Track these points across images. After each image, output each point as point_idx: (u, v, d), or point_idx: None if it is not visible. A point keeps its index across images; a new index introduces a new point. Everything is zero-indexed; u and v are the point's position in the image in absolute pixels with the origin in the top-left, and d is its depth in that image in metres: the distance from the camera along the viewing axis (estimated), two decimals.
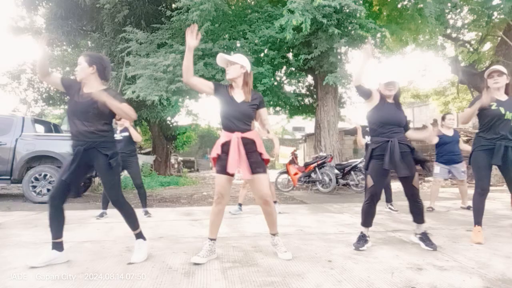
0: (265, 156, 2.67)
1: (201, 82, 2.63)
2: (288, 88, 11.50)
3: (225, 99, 2.62)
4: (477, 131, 3.36)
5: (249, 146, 2.59)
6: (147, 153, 16.21)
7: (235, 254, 2.82)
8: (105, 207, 4.68)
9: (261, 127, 2.86)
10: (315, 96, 11.43)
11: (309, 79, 12.09)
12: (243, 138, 2.57)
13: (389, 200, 5.14)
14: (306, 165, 8.89)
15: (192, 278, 2.26)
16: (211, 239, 2.69)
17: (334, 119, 9.73)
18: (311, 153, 15.02)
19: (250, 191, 4.94)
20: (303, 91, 12.56)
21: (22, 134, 6.70)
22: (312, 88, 12.24)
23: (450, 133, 5.12)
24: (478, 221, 3.19)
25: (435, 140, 3.20)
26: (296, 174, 8.62)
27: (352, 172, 8.36)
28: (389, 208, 5.08)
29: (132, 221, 2.69)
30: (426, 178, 10.95)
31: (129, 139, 4.70)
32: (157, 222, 4.37)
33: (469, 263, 2.55)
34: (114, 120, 2.76)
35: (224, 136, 2.62)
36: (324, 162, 8.47)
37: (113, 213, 5.13)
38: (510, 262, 2.58)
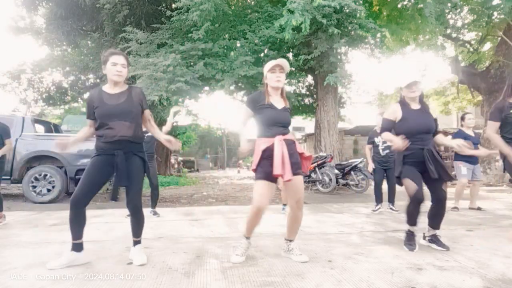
0: (306, 153, 2.68)
1: (247, 119, 2.69)
2: (288, 88, 11.51)
3: (265, 107, 2.58)
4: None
5: (290, 147, 2.57)
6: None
7: None
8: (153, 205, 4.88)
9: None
10: (315, 96, 11.43)
11: (309, 79, 12.09)
12: (285, 140, 2.55)
13: (391, 200, 5.15)
14: None
15: (192, 278, 2.26)
16: (248, 238, 2.70)
17: (334, 119, 9.73)
18: (311, 153, 15.02)
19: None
20: (303, 91, 12.57)
21: (22, 134, 6.70)
22: (312, 88, 12.25)
23: (471, 133, 5.10)
24: None
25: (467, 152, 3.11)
26: None
27: (352, 172, 8.36)
28: (390, 209, 5.09)
29: (140, 229, 2.67)
30: None
31: (152, 140, 4.74)
32: (157, 222, 4.37)
33: (469, 263, 2.55)
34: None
35: (263, 142, 2.54)
36: (324, 162, 8.47)
37: (113, 213, 5.14)
38: (510, 262, 2.58)
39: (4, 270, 2.42)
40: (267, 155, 2.51)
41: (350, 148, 15.46)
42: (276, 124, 2.57)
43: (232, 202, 6.89)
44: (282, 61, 2.60)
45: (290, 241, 2.73)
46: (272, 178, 2.52)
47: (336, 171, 8.37)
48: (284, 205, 4.99)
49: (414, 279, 2.22)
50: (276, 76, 2.60)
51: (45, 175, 6.51)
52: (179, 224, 4.26)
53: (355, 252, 2.86)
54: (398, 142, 2.74)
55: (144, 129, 2.82)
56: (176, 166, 21.16)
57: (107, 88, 2.59)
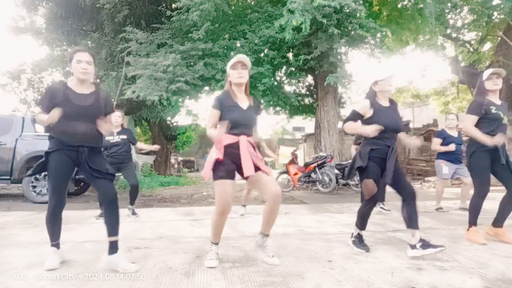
0: (264, 162, 2.64)
1: (216, 122, 2.56)
2: (288, 88, 11.50)
3: (230, 107, 2.54)
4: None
5: (254, 150, 2.56)
6: (147, 153, 16.21)
7: (235, 254, 2.82)
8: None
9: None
10: (315, 96, 11.43)
11: (309, 79, 12.09)
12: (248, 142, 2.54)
13: (381, 199, 5.04)
14: (306, 165, 8.89)
15: (192, 278, 2.26)
16: (216, 244, 2.62)
17: (334, 119, 9.73)
18: (311, 153, 15.02)
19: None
20: (303, 91, 12.56)
21: (22, 134, 6.70)
22: (312, 88, 12.24)
23: (454, 133, 5.15)
24: (475, 222, 3.22)
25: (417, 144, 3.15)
26: (296, 174, 8.62)
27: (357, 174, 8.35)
28: (381, 208, 5.04)
29: (117, 223, 2.48)
30: (426, 179, 10.95)
31: (127, 142, 4.73)
32: (157, 222, 4.37)
33: (469, 263, 2.55)
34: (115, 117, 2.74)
35: (228, 138, 2.48)
36: (324, 162, 8.47)
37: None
38: (510, 262, 2.58)
39: (4, 270, 2.42)
40: (230, 152, 2.47)
41: (350, 148, 15.44)
42: (240, 125, 2.51)
43: (232, 202, 6.88)
44: (242, 57, 2.57)
45: (266, 235, 2.61)
46: (233, 176, 2.50)
47: (336, 171, 8.36)
48: (243, 206, 4.94)
49: (414, 279, 2.22)
50: (238, 72, 2.56)
51: (45, 175, 6.50)
52: (179, 224, 4.26)
53: (355, 252, 2.86)
54: (371, 128, 2.70)
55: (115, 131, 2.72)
56: (176, 166, 21.17)
57: (73, 85, 2.48)
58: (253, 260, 2.64)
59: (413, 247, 2.70)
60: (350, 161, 9.37)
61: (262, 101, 9.54)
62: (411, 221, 2.76)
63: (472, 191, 3.32)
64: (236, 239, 3.34)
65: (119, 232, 2.47)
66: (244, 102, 2.61)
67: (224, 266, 2.50)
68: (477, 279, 2.22)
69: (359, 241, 2.97)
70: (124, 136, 4.69)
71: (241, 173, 2.52)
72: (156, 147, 5.21)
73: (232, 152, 2.48)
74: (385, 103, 2.94)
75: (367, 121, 2.87)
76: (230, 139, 2.49)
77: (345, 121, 2.96)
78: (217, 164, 2.48)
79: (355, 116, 2.91)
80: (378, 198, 5.06)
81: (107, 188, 2.48)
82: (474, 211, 3.22)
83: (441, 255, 2.74)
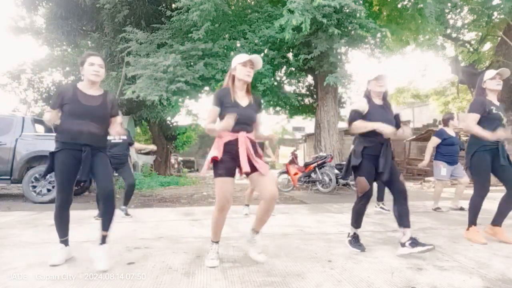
0: (263, 159, 2.63)
1: (215, 119, 2.56)
2: (288, 88, 11.51)
3: (229, 104, 2.54)
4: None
5: (254, 147, 2.57)
6: (147, 153, 16.21)
7: (235, 254, 2.82)
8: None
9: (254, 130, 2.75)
10: (315, 96, 11.43)
11: (309, 79, 12.09)
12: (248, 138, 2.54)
13: (381, 199, 5.07)
14: (306, 165, 8.89)
15: (192, 278, 2.26)
16: (217, 242, 2.63)
17: (334, 119, 9.73)
18: (311, 153, 15.03)
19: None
20: (303, 91, 12.56)
21: (22, 134, 6.70)
22: (312, 88, 12.24)
23: (453, 133, 5.19)
24: (475, 221, 3.23)
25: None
26: (296, 174, 8.62)
27: (352, 172, 8.35)
28: (381, 208, 5.05)
29: (111, 219, 2.58)
30: (426, 179, 10.94)
31: (126, 143, 4.78)
32: (157, 222, 4.37)
33: (469, 263, 2.55)
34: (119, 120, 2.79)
35: (227, 135, 2.50)
36: (324, 162, 8.47)
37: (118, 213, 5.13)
38: (510, 262, 2.58)
39: (4, 270, 2.42)
40: (229, 149, 2.48)
41: (350, 148, 15.43)
42: (239, 123, 2.48)
43: (231, 199, 6.88)
44: (256, 58, 2.57)
45: (257, 232, 2.63)
46: (233, 174, 2.52)
47: (336, 171, 8.36)
48: (247, 205, 4.94)
49: (414, 279, 2.22)
50: (247, 70, 2.56)
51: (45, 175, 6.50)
52: (179, 224, 4.26)
53: (355, 252, 2.86)
54: (388, 128, 2.70)
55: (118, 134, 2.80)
56: (176, 166, 21.15)
57: (83, 87, 2.59)
58: (253, 260, 2.63)
59: (402, 245, 2.74)
60: None
61: (262, 100, 9.53)
62: (402, 219, 2.81)
63: (466, 191, 3.33)
64: (236, 239, 3.34)
65: (109, 228, 2.56)
66: (244, 100, 2.62)
67: (224, 266, 2.50)
68: (477, 279, 2.22)
69: (355, 240, 2.97)
70: (125, 137, 4.71)
71: (240, 170, 2.53)
72: (153, 147, 5.20)
73: (231, 149, 2.49)
74: (378, 101, 2.96)
75: (365, 117, 2.89)
76: (229, 136, 2.51)
77: (349, 122, 2.95)
78: (217, 162, 2.49)
79: (357, 115, 2.91)
80: (378, 198, 5.11)
81: (106, 182, 2.54)
82: (474, 210, 3.23)
83: (441, 255, 2.75)
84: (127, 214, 4.76)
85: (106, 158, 2.65)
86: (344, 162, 8.91)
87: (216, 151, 2.51)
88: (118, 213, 4.42)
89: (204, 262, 2.56)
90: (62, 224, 2.63)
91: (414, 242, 2.70)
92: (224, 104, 2.54)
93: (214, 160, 2.50)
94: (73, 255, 2.74)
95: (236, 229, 3.86)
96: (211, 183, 13.25)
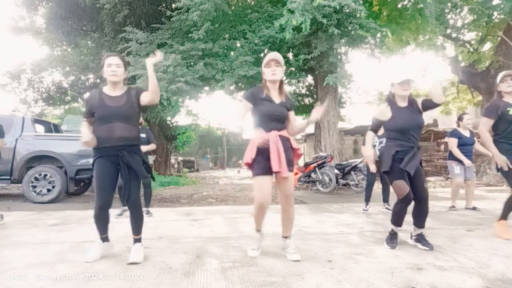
0: (300, 151, 2.76)
1: (246, 112, 2.70)
2: (288, 88, 11.51)
3: (262, 101, 2.64)
4: (492, 136, 3.35)
5: (285, 143, 2.63)
6: (147, 153, 16.21)
7: (235, 254, 2.82)
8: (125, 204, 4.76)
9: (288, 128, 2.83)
10: (315, 96, 11.43)
11: (309, 79, 12.10)
12: (280, 136, 2.60)
13: (386, 200, 5.17)
14: (306, 165, 8.89)
15: (192, 278, 2.26)
16: (259, 231, 2.80)
17: (334, 119, 9.73)
18: (311, 153, 15.03)
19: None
20: (303, 91, 12.57)
21: (22, 134, 6.70)
22: (312, 88, 12.25)
23: (467, 133, 5.14)
24: (506, 216, 3.31)
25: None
26: (296, 174, 8.62)
27: (352, 172, 8.36)
28: (386, 208, 5.09)
29: (139, 225, 2.72)
30: (426, 178, 10.94)
31: (145, 141, 4.86)
32: (157, 222, 4.37)
33: (469, 263, 2.55)
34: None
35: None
36: (324, 162, 8.47)
37: (112, 213, 5.13)
38: (510, 262, 2.57)
39: (4, 270, 2.42)
40: (263, 149, 2.54)
41: (350, 148, 15.47)
42: (273, 118, 2.61)
43: (232, 202, 6.89)
44: (275, 55, 2.63)
45: (286, 238, 2.79)
46: (269, 172, 2.57)
47: (336, 171, 8.36)
48: None
49: (414, 279, 2.22)
50: (271, 70, 2.64)
51: (45, 175, 6.51)
52: (179, 224, 4.26)
53: (355, 252, 2.86)
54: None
55: None
56: (176, 166, 21.16)
57: (107, 90, 2.66)
58: (253, 260, 2.64)
59: (411, 237, 3.09)
60: (350, 161, 9.38)
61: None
62: (417, 220, 2.97)
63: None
64: (236, 239, 3.34)
65: (139, 231, 2.71)
66: (276, 97, 2.69)
67: (224, 266, 2.50)
68: (477, 279, 2.22)
69: (391, 237, 3.04)
70: (143, 135, 4.79)
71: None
72: (151, 147, 5.12)
73: (265, 149, 2.54)
74: (403, 103, 2.94)
75: (387, 123, 2.94)
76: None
77: (370, 129, 3.05)
78: (254, 161, 2.59)
79: (377, 122, 2.98)
80: (383, 199, 5.12)
81: (131, 192, 2.64)
82: (508, 206, 3.30)
83: (441, 255, 2.75)
84: (148, 213, 4.81)
85: (140, 162, 2.65)
86: (344, 162, 8.93)
87: (249, 154, 2.59)
88: (114, 212, 4.42)
89: (205, 261, 2.57)
90: (101, 225, 2.69)
91: (418, 239, 2.97)
92: (257, 98, 2.64)
93: (252, 160, 2.59)
94: (73, 256, 2.75)
95: (236, 229, 3.86)
96: (211, 183, 13.25)
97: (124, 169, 2.59)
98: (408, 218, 3.00)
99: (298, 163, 9.37)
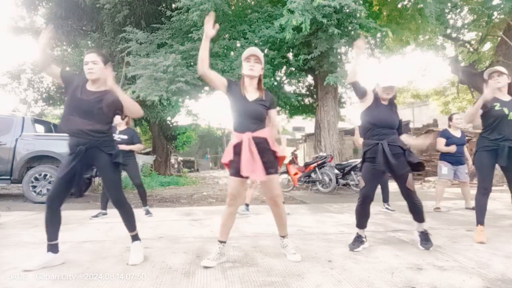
0: (280, 153, 2.64)
1: (216, 77, 2.60)
2: (288, 88, 11.50)
3: (236, 97, 2.58)
4: (479, 131, 3.38)
5: (262, 145, 2.52)
6: (147, 153, 16.21)
7: (235, 254, 2.82)
8: (104, 207, 4.67)
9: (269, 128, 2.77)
10: (315, 96, 11.43)
11: (309, 79, 12.09)
12: (254, 138, 2.49)
13: (386, 200, 5.14)
14: (306, 165, 8.88)
15: (192, 278, 2.26)
16: (221, 242, 2.62)
17: (334, 119, 9.73)
18: (311, 153, 15.03)
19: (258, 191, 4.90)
20: (303, 91, 12.56)
21: (22, 134, 6.70)
22: (312, 88, 12.24)
23: (457, 134, 5.15)
24: (480, 220, 3.22)
25: (427, 142, 3.19)
26: (296, 174, 8.62)
27: (352, 172, 8.35)
28: (386, 208, 5.08)
29: (131, 222, 2.69)
30: (426, 179, 10.94)
31: (128, 142, 4.69)
32: (157, 222, 4.37)
33: (469, 263, 2.55)
34: (117, 119, 2.77)
35: (235, 137, 2.55)
36: (324, 162, 8.47)
37: (113, 213, 5.13)
38: (510, 262, 2.57)
39: (4, 270, 2.42)
40: (238, 150, 2.51)
41: (350, 148, 15.45)
42: (245, 116, 2.54)
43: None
44: (256, 51, 2.59)
45: (282, 237, 2.77)
46: (240, 174, 2.55)
47: (336, 171, 8.36)
48: (247, 205, 4.93)
49: (414, 279, 2.22)
50: (250, 65, 2.58)
51: (45, 175, 6.51)
52: (179, 224, 4.26)
53: (355, 252, 2.86)
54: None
55: (117, 129, 2.78)
56: (176, 166, 21.15)
57: (88, 83, 2.58)
58: (253, 260, 2.64)
59: (417, 231, 3.07)
60: (350, 161, 9.38)
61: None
62: (413, 214, 3.02)
63: (475, 192, 3.34)
64: (236, 239, 3.34)
65: (134, 228, 2.70)
66: (252, 94, 2.62)
67: (224, 266, 2.50)
68: (477, 279, 2.22)
69: (353, 240, 3.02)
70: (125, 136, 4.67)
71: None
72: (136, 147, 4.91)
73: (239, 151, 2.51)
74: (384, 102, 3.01)
75: (365, 112, 2.97)
76: (236, 138, 2.54)
77: (352, 85, 3.00)
78: (230, 161, 2.59)
79: (362, 88, 2.95)
80: (383, 199, 5.13)
81: (108, 191, 2.62)
82: (477, 208, 3.27)
83: (441, 255, 2.75)
84: (148, 212, 4.78)
85: (106, 160, 2.53)
86: (344, 162, 8.93)
87: (226, 155, 2.59)
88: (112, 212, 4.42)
89: (201, 261, 2.57)
90: (48, 224, 2.56)
91: (420, 236, 3.02)
92: (233, 93, 2.59)
93: (229, 160, 2.59)
94: (73, 256, 2.74)
95: (236, 229, 3.85)
96: (211, 183, 13.25)
97: (79, 165, 2.49)
98: (408, 217, 3.00)
99: (297, 163, 9.37)
